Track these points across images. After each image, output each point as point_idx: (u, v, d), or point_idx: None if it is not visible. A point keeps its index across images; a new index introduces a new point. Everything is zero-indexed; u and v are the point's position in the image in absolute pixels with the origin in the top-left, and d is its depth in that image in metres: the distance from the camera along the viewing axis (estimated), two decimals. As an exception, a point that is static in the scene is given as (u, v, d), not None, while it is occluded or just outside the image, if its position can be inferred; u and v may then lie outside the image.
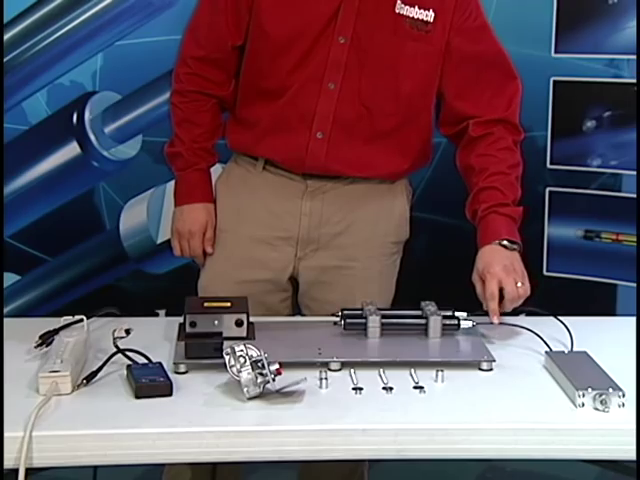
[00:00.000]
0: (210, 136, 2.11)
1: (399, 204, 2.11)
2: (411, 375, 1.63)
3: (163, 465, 2.00)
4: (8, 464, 1.39)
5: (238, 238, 2.08)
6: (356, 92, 1.96)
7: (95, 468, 1.76)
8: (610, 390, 1.51)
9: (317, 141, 1.98)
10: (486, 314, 1.83)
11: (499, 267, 1.85)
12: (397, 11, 1.93)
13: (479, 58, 2.00)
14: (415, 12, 1.93)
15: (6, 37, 2.89)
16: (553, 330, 1.81)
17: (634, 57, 2.72)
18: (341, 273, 2.07)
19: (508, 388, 1.61)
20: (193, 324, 1.74)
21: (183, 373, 1.64)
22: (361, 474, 2.17)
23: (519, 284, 1.84)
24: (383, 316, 1.80)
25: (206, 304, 1.80)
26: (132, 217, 3.03)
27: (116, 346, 1.67)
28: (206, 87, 2.08)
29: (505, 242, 1.90)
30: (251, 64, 2.03)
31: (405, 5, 1.93)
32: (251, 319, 1.78)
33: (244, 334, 1.75)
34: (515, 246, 1.91)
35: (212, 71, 2.07)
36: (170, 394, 1.55)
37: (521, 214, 1.97)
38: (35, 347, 1.74)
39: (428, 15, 1.94)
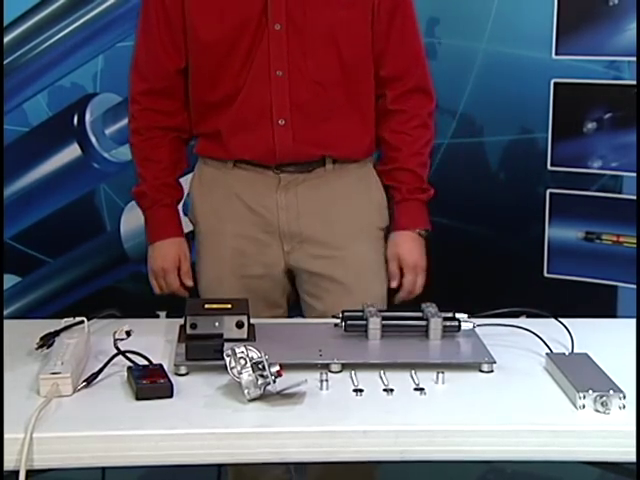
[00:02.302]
0: (171, 171, 2.12)
1: (375, 191, 2.13)
2: (412, 377, 1.63)
3: (164, 467, 1.99)
4: (9, 466, 1.39)
5: (224, 238, 2.09)
6: (304, 72, 1.98)
7: (103, 470, 1.76)
8: (611, 392, 1.51)
9: (280, 128, 1.99)
10: (488, 317, 1.84)
11: (416, 261, 2.10)
12: None
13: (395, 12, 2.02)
14: None
15: (7, 39, 2.89)
16: (554, 332, 1.81)
17: (635, 59, 2.72)
18: (333, 263, 2.08)
19: (508, 390, 1.61)
20: (194, 326, 1.73)
21: (184, 375, 1.64)
22: None
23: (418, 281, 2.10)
24: (384, 318, 1.80)
25: (207, 306, 1.80)
26: (133, 219, 3.03)
27: (117, 348, 1.67)
28: (159, 120, 2.08)
29: (422, 232, 2.12)
30: (198, 79, 2.03)
31: None
32: (252, 320, 1.78)
33: (245, 336, 1.75)
34: (426, 233, 2.12)
35: (161, 102, 2.07)
36: (171, 396, 1.55)
37: (432, 194, 2.13)
38: (36, 349, 1.74)
39: None
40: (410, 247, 2.10)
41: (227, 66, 1.98)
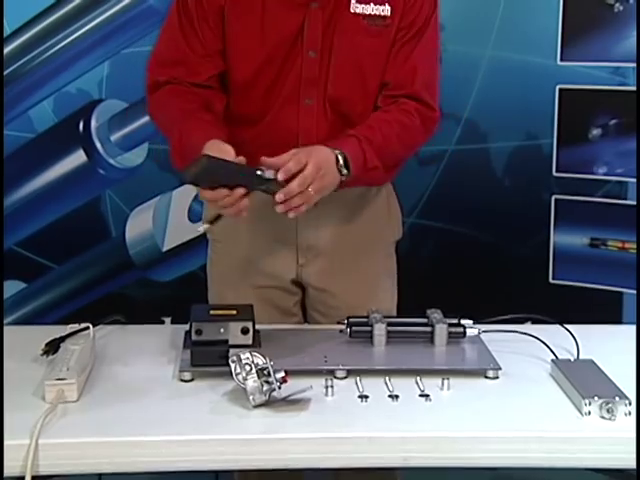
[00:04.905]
0: (207, 113, 1.92)
1: (393, 203, 2.11)
2: (417, 383, 1.63)
3: (168, 473, 1.99)
4: (14, 472, 1.39)
5: (237, 248, 2.06)
6: (330, 102, 1.94)
7: (100, 477, 1.76)
8: (616, 398, 1.51)
9: None
10: (493, 323, 1.84)
11: (317, 161, 1.76)
12: (352, 11, 1.91)
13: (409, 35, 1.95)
14: (371, 9, 1.91)
15: (13, 45, 2.90)
16: (559, 338, 1.81)
17: (640, 65, 2.72)
18: (346, 278, 2.05)
19: (514, 396, 1.61)
20: (199, 332, 1.73)
21: (189, 381, 1.64)
22: None
23: (310, 189, 1.75)
24: (389, 324, 1.80)
25: (212, 312, 1.79)
26: (138, 225, 3.04)
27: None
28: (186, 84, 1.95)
29: (339, 156, 1.82)
30: (229, 91, 1.98)
31: (360, 4, 1.90)
32: (258, 326, 1.78)
33: (250, 342, 1.75)
34: (345, 171, 1.82)
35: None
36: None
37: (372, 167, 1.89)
38: (41, 355, 1.74)
39: (384, 10, 1.92)
40: (314, 149, 1.80)
41: (254, 89, 1.93)
